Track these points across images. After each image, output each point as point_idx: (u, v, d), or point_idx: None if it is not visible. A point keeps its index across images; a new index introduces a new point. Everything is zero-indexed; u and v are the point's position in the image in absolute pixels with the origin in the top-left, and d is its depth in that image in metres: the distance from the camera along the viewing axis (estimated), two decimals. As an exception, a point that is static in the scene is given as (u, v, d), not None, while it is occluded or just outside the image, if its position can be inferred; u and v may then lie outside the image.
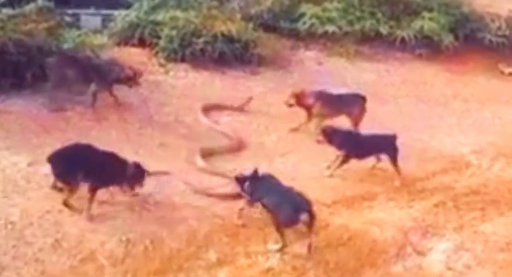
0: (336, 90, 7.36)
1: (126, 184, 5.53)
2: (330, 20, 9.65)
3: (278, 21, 9.65)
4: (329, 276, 5.01)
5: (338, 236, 5.43)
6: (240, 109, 7.55)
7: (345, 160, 6.25)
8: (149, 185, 5.70)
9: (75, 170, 5.33)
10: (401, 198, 6.02)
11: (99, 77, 6.98)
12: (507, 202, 6.09)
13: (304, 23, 9.59)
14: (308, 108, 7.15)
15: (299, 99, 7.14)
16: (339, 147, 6.30)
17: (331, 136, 6.33)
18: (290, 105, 7.18)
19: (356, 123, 6.99)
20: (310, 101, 7.10)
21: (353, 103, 7.08)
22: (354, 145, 6.27)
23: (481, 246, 5.43)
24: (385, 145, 6.27)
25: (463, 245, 5.40)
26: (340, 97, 7.18)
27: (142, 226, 5.34)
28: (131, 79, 7.09)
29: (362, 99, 7.10)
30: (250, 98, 7.64)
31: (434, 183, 6.19)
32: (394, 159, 6.19)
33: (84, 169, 5.34)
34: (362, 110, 7.03)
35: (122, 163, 5.51)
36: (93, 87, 6.97)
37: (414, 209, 5.84)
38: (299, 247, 5.24)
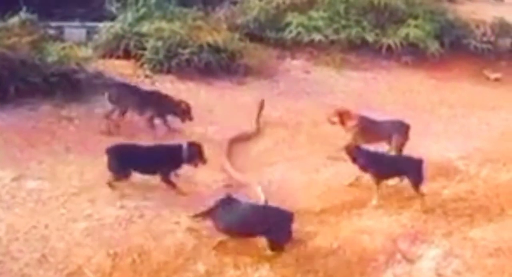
0: (380, 116, 7.04)
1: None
2: (316, 29, 9.68)
3: (264, 30, 9.66)
4: (319, 284, 4.98)
5: (327, 245, 5.40)
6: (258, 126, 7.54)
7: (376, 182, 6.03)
8: (135, 199, 5.66)
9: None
10: (390, 205, 6.00)
11: (156, 109, 7.06)
12: (495, 208, 6.09)
13: (290, 32, 9.61)
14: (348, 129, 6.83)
15: (342, 118, 6.84)
16: (362, 167, 6.11)
17: (355, 155, 6.11)
18: (333, 123, 6.91)
19: (397, 150, 6.69)
20: (352, 123, 6.80)
21: (395, 131, 6.75)
22: (377, 166, 6.07)
23: (470, 252, 5.42)
24: (409, 168, 6.03)
25: (452, 251, 5.38)
26: (382, 124, 6.86)
27: (129, 239, 5.28)
28: (186, 113, 7.08)
29: (406, 127, 6.79)
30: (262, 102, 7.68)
31: (422, 189, 6.17)
32: (415, 184, 5.95)
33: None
34: (405, 138, 6.72)
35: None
36: (149, 113, 6.99)
37: (403, 216, 5.82)
38: (287, 257, 5.20)
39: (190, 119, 7.16)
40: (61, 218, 5.49)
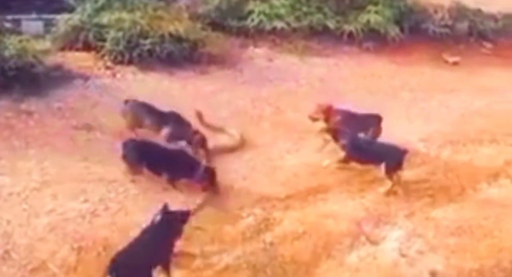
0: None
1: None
2: (278, 17, 9.67)
3: (226, 19, 9.60)
4: (285, 270, 5.03)
5: (293, 230, 5.46)
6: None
7: (344, 161, 6.26)
8: (98, 193, 5.61)
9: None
10: (353, 188, 6.08)
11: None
12: (456, 188, 6.23)
13: (252, 20, 9.58)
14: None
15: (327, 115, 6.81)
16: (342, 147, 6.29)
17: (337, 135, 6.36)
18: (315, 120, 6.86)
19: None
20: (336, 118, 6.78)
21: (373, 124, 6.84)
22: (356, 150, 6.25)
23: (432, 232, 5.54)
24: (388, 156, 6.14)
25: (415, 232, 5.49)
26: (361, 118, 6.92)
27: (93, 233, 5.24)
28: (201, 143, 6.64)
29: (379, 119, 6.88)
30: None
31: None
32: (389, 171, 6.06)
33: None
34: (380, 130, 6.83)
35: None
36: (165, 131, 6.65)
37: (366, 199, 5.91)
38: (254, 244, 5.24)
39: (206, 150, 6.62)
40: (23, 213, 5.41)
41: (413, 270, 5.11)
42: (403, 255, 5.28)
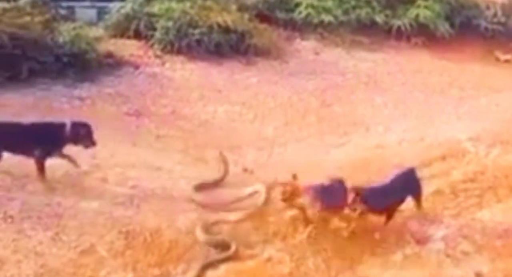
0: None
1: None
2: (326, 10, 9.63)
3: (274, 11, 9.62)
4: (328, 264, 5.04)
5: (337, 225, 5.45)
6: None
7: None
8: (146, 179, 5.71)
9: None
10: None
11: None
12: (504, 189, 6.10)
13: (300, 13, 9.57)
14: None
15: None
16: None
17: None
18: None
19: None
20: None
21: None
22: None
23: (479, 233, 5.45)
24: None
25: (461, 232, 5.42)
26: None
27: (141, 218, 5.35)
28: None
29: None
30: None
31: (431, 170, 6.20)
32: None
33: None
34: None
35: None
36: None
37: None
38: (298, 236, 5.26)
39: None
40: (73, 196, 5.56)
41: (458, 271, 5.05)
42: (448, 255, 5.22)
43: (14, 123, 5.69)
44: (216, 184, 5.86)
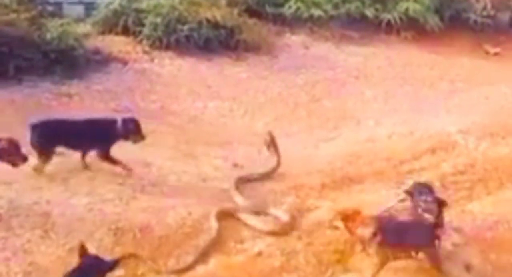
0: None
1: None
2: (316, 4, 9.62)
3: (263, 6, 9.60)
4: (319, 258, 5.03)
5: (327, 219, 5.44)
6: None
7: None
8: (136, 175, 5.68)
9: None
10: (389, 179, 6.04)
11: None
12: (494, 181, 6.12)
13: (290, 7, 9.55)
14: None
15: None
16: None
17: None
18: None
19: None
20: None
21: None
22: None
23: (469, 225, 5.46)
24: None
25: (451, 224, 5.42)
26: None
27: (130, 215, 5.32)
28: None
29: None
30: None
31: (421, 163, 6.21)
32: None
33: None
34: None
35: None
36: None
37: (401, 189, 5.85)
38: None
39: None
40: (63, 194, 5.52)
41: (448, 263, 5.05)
42: (438, 247, 5.23)
43: (72, 120, 5.93)
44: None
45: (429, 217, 4.89)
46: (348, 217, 4.86)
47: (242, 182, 5.79)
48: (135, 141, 5.85)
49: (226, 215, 5.31)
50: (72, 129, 5.81)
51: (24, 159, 5.40)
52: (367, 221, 4.81)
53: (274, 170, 6.05)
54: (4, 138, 5.34)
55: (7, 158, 5.33)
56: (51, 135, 5.70)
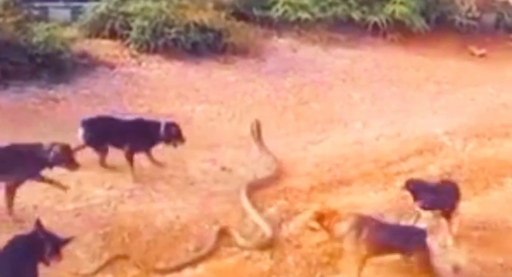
0: None
1: None
2: (303, 7, 9.64)
3: (251, 9, 9.60)
4: (308, 261, 5.04)
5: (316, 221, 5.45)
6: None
7: None
8: (123, 180, 5.67)
9: None
10: (376, 181, 6.07)
11: None
12: (480, 182, 6.18)
13: (277, 10, 9.57)
14: None
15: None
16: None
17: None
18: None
19: None
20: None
21: None
22: None
23: (456, 225, 5.50)
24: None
25: (438, 225, 5.46)
26: None
27: (119, 219, 5.31)
28: None
29: None
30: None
31: (409, 165, 6.25)
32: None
33: None
34: None
35: None
36: None
37: (389, 191, 5.89)
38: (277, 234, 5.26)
39: None
40: (49, 199, 5.49)
41: (436, 263, 5.09)
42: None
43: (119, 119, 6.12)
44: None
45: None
46: (324, 217, 4.81)
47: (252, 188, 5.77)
48: (175, 145, 5.97)
49: None
50: (120, 127, 5.96)
51: (76, 166, 5.34)
52: (343, 218, 4.77)
53: (278, 171, 6.13)
54: (58, 143, 5.28)
55: (59, 164, 5.29)
56: (101, 132, 5.88)
